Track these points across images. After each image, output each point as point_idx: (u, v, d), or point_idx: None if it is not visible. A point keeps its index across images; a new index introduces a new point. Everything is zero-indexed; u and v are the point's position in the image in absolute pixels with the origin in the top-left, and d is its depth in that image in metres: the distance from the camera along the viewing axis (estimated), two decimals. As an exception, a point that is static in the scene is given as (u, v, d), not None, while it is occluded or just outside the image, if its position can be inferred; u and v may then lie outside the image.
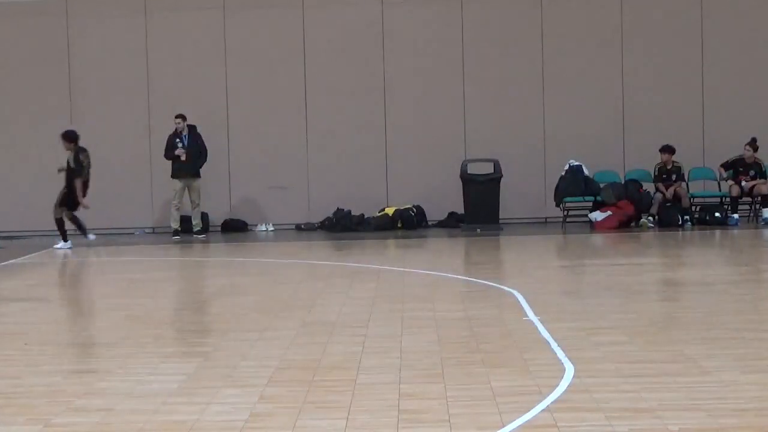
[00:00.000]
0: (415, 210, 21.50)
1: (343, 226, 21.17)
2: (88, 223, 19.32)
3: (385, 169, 22.01)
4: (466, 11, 21.88)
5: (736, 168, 20.61)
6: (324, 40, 22.04)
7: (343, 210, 21.43)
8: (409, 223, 21.27)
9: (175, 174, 20.59)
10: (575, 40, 21.79)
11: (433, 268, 14.49)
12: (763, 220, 20.17)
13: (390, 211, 21.41)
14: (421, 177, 21.78)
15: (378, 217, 21.35)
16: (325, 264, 15.66)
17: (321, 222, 21.72)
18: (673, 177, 20.70)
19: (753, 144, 20.48)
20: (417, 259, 16.58)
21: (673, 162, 20.75)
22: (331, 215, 21.55)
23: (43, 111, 21.94)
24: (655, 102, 21.70)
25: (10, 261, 17.10)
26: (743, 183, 20.33)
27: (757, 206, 20.65)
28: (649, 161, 21.02)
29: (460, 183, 20.41)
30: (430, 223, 21.74)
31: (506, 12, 21.89)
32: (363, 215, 21.43)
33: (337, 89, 21.94)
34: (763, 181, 20.40)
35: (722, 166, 20.73)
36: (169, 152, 20.65)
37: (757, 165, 20.53)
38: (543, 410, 6.39)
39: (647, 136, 21.38)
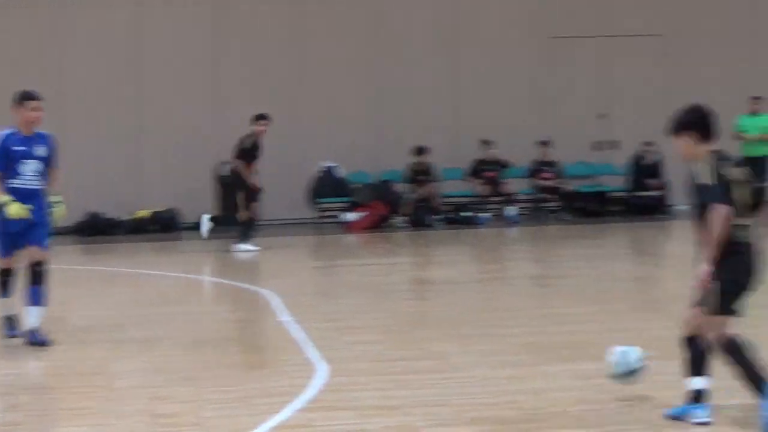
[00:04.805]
0: (169, 212, 21.28)
1: (96, 229, 20.77)
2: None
3: (141, 171, 21.64)
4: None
5: (479, 168, 21.11)
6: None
7: (96, 213, 21.02)
8: (165, 225, 21.05)
9: None
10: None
11: (190, 270, 14.44)
12: (508, 217, 20.74)
13: (145, 213, 21.14)
14: (176, 178, 21.53)
15: (132, 220, 21.04)
16: (78, 269, 15.36)
17: (72, 226, 21.23)
18: (425, 177, 21.11)
19: (486, 142, 21.10)
20: (173, 262, 16.46)
21: (425, 162, 21.13)
22: (83, 219, 21.08)
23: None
24: (406, 103, 22.00)
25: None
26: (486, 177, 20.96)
27: (503, 205, 21.23)
28: (401, 162, 21.32)
29: (215, 184, 20.34)
30: (186, 225, 21.54)
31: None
32: (116, 218, 21.07)
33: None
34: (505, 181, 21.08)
35: (472, 174, 21.21)
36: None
37: (496, 162, 21.18)
38: (297, 410, 6.49)
39: (400, 137, 21.67)
